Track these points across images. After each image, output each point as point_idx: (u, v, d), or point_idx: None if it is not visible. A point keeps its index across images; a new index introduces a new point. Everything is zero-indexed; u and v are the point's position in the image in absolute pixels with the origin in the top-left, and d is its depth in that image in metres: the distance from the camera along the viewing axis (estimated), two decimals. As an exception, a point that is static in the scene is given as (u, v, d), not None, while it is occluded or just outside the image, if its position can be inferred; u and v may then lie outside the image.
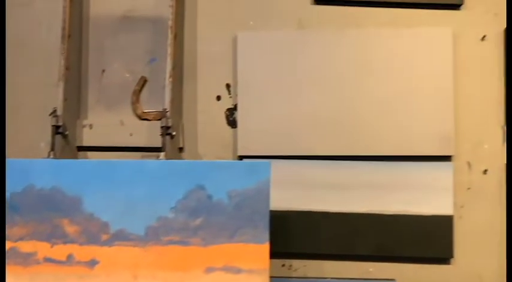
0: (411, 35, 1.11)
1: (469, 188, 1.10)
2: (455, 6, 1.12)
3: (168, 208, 0.97)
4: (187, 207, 0.97)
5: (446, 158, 1.10)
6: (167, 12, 1.09)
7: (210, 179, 0.97)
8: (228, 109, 1.16)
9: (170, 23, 1.08)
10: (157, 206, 0.97)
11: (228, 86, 1.16)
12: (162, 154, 1.03)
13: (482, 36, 1.11)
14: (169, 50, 1.08)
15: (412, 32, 1.11)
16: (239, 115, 1.13)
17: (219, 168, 0.97)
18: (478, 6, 1.12)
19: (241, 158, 1.13)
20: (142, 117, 1.15)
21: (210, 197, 0.96)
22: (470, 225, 1.10)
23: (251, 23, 1.16)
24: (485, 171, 1.10)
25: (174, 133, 1.06)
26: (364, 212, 1.10)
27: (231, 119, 1.15)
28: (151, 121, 1.14)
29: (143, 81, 1.16)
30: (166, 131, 1.04)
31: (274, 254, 0.96)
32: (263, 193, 0.96)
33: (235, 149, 1.13)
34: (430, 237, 1.08)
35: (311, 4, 1.15)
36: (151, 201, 0.98)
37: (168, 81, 1.07)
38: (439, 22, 1.12)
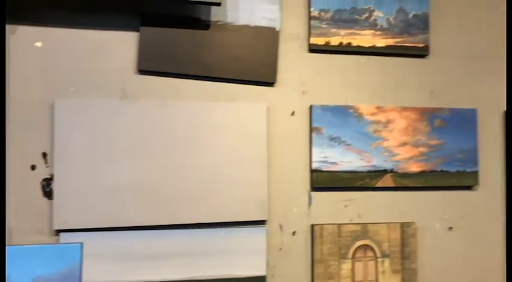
0: (230, 108, 1.19)
1: (280, 249, 1.22)
2: (269, 84, 1.23)
3: (-37, 301, 0.89)
4: (-13, 297, 0.90)
5: (261, 222, 1.20)
6: (-29, 77, 1.01)
7: (15, 266, 0.92)
8: (44, 179, 1.10)
9: (-27, 90, 1.00)
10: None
11: (44, 154, 1.11)
12: (-43, 239, 0.93)
13: (292, 111, 1.25)
14: (-28, 120, 0.99)
15: (231, 106, 1.20)
16: (56, 186, 1.09)
17: (24, 253, 0.92)
18: (288, 85, 1.25)
19: (57, 231, 1.08)
20: None
21: (13, 285, 0.91)
22: (281, 282, 1.22)
23: (72, 89, 1.13)
24: (294, 233, 1.23)
25: (-25, 213, 0.97)
26: (184, 279, 1.14)
27: (47, 189, 1.10)
28: (-49, 194, 1.03)
29: None
30: (-36, 212, 0.95)
31: None
32: (73, 277, 0.94)
33: (51, 222, 1.09)
34: (245, 298, 1.17)
35: (135, 74, 1.16)
36: None
37: (-31, 155, 0.98)
38: (255, 97, 1.22)
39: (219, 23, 1.20)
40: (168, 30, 1.17)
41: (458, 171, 1.30)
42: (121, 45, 1.15)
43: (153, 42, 1.16)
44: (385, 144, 1.27)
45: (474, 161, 1.32)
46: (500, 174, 1.35)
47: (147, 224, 1.13)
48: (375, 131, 1.27)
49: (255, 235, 1.19)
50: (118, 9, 1.15)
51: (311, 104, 1.25)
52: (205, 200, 1.16)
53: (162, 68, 1.17)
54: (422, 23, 1.31)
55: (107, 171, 1.11)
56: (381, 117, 1.28)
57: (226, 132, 1.18)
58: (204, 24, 1.19)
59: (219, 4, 1.12)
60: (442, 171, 1.30)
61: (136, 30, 1.16)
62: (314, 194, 1.25)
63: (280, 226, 1.23)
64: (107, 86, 1.15)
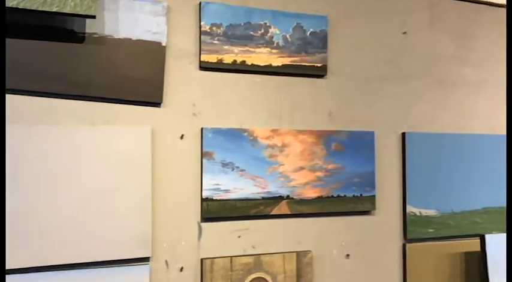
0: (108, 132, 1.06)
1: (166, 287, 1.11)
2: (155, 104, 1.11)
3: None
4: None
5: (144, 260, 1.08)
6: None
7: None
8: None
9: None
10: None
11: None
12: None
13: (180, 135, 1.14)
14: None
15: (110, 129, 1.06)
16: None
17: None
18: (177, 106, 1.13)
19: None
20: None
21: None
22: (167, 323, 1.11)
23: None
24: (181, 269, 1.12)
25: None
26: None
27: None
28: None
29: None
30: None
31: None
32: None
33: None
34: None
35: None
36: None
37: None
38: (138, 119, 1.10)
39: (95, 35, 1.06)
40: (34, 43, 1.01)
41: (355, 196, 1.27)
42: (-29, 58, 0.98)
43: (16, 56, 0.99)
44: (281, 169, 1.21)
45: (372, 185, 1.29)
46: (397, 198, 1.34)
47: (12, 268, 0.96)
48: (271, 156, 1.20)
49: (137, 274, 1.06)
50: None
51: (202, 126, 1.15)
52: (78, 237, 1.01)
53: (28, 86, 1.01)
54: (320, 42, 1.26)
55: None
56: (277, 140, 1.20)
57: (105, 160, 1.05)
58: (77, 37, 1.05)
59: (93, 17, 0.98)
60: (339, 196, 1.25)
61: (-8, 41, 0.99)
62: (205, 225, 1.15)
63: (166, 262, 1.11)
64: (-47, 107, 0.96)
